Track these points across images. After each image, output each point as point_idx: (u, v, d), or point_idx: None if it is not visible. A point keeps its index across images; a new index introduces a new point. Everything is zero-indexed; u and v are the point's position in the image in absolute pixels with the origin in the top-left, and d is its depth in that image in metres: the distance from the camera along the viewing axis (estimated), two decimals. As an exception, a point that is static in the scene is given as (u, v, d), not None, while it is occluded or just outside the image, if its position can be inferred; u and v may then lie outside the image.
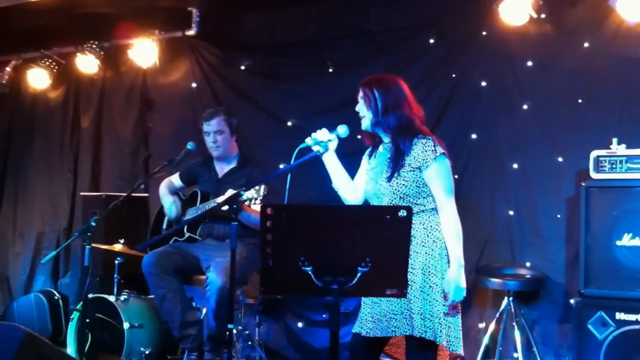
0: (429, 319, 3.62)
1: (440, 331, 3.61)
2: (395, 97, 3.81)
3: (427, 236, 3.71)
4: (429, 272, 3.67)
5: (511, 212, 5.75)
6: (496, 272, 5.49)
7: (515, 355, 5.39)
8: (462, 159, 5.87)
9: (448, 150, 3.81)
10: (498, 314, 5.42)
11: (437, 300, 3.64)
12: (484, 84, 5.91)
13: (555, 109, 5.63)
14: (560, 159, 5.57)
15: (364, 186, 3.96)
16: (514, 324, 5.34)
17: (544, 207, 5.62)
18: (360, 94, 3.90)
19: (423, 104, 4.04)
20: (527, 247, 5.66)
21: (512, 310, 5.33)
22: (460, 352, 3.72)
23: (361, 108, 3.89)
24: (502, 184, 5.81)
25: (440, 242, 3.72)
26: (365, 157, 4.05)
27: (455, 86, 6.02)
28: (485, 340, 5.45)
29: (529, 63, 5.75)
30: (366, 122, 3.88)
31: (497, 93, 5.87)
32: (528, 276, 5.46)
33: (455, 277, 3.64)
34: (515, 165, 5.75)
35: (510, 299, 5.33)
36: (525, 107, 5.74)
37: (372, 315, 3.76)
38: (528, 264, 5.61)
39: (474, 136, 5.93)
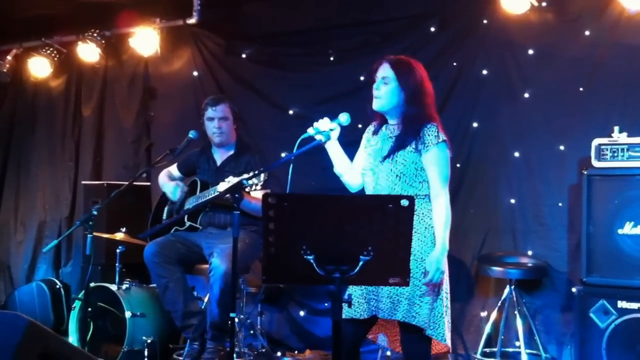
0: (418, 304, 3.62)
1: (429, 318, 3.62)
2: (420, 85, 3.77)
3: (419, 223, 3.70)
4: (422, 258, 3.68)
5: (513, 201, 5.74)
6: (498, 260, 5.50)
7: (517, 343, 5.39)
8: (464, 147, 5.86)
9: (450, 139, 3.82)
10: (500, 302, 5.43)
11: (428, 288, 3.65)
12: (485, 72, 5.90)
13: (556, 97, 5.62)
14: (562, 147, 5.56)
15: (362, 165, 3.93)
16: (516, 312, 5.34)
17: (546, 195, 5.61)
18: (383, 73, 3.79)
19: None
20: (529, 236, 5.66)
21: (514, 298, 5.33)
22: (443, 340, 3.68)
23: (380, 88, 3.78)
24: (504, 173, 5.81)
25: (431, 229, 3.72)
26: (365, 136, 4.00)
27: (457, 75, 6.00)
28: (487, 329, 5.44)
29: (530, 51, 5.73)
30: (381, 103, 3.79)
31: (499, 82, 5.86)
32: (530, 265, 5.46)
33: (438, 258, 3.64)
34: (517, 154, 5.74)
35: (512, 287, 5.33)
36: (526, 95, 5.72)
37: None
38: (530, 253, 5.61)
39: (475, 125, 5.91)
